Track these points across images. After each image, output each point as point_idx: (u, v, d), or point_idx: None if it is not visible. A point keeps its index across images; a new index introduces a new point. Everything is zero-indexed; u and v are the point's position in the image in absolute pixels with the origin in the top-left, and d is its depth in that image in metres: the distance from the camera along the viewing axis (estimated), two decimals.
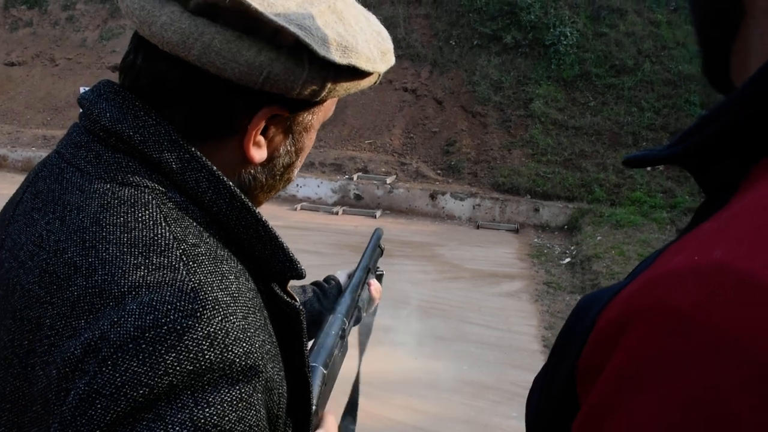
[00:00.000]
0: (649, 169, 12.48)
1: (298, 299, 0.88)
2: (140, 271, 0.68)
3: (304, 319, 0.88)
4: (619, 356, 0.51)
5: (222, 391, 0.66)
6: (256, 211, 0.80)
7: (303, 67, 0.77)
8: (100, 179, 0.76)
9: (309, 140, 0.92)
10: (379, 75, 0.88)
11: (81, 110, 0.83)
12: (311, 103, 0.84)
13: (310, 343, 1.23)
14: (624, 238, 9.91)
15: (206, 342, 0.66)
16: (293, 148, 0.89)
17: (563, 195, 12.37)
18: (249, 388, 0.69)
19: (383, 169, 13.56)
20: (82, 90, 13.25)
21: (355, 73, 0.83)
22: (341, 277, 1.66)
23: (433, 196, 12.71)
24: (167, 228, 0.72)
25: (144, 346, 0.64)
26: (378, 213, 12.48)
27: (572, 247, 10.48)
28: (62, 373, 0.66)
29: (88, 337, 0.65)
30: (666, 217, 10.95)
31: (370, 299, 1.61)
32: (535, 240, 11.25)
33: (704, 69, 0.73)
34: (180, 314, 0.66)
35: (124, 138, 0.77)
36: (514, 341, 6.51)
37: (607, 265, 8.70)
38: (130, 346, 0.64)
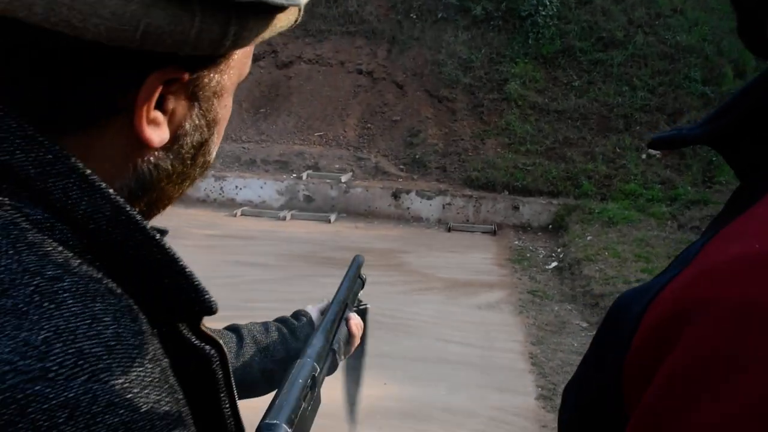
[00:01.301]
0: (644, 156, 12.65)
1: (216, 339, 0.81)
2: None
3: (218, 367, 0.80)
4: (679, 353, 0.53)
5: None
6: (148, 227, 0.71)
7: (192, 10, 0.67)
8: None
9: (224, 108, 0.83)
10: (300, 9, 0.78)
11: None
12: (215, 58, 0.76)
13: (269, 396, 1.17)
14: (618, 238, 10.01)
15: (63, 413, 0.57)
16: (203, 121, 0.80)
17: (546, 190, 12.48)
18: None
19: (337, 166, 13.54)
20: None
21: (264, 8, 0.72)
22: (313, 312, 1.59)
23: (396, 196, 12.75)
24: (15, 257, 0.63)
25: None
26: (332, 217, 12.44)
27: (559, 250, 10.56)
28: None
29: None
30: (666, 212, 11.10)
31: (348, 339, 1.54)
32: (516, 242, 11.32)
33: (739, 30, 0.73)
34: (23, 377, 0.57)
35: None
36: (498, 360, 6.52)
37: (600, 269, 8.78)
38: None
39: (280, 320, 1.55)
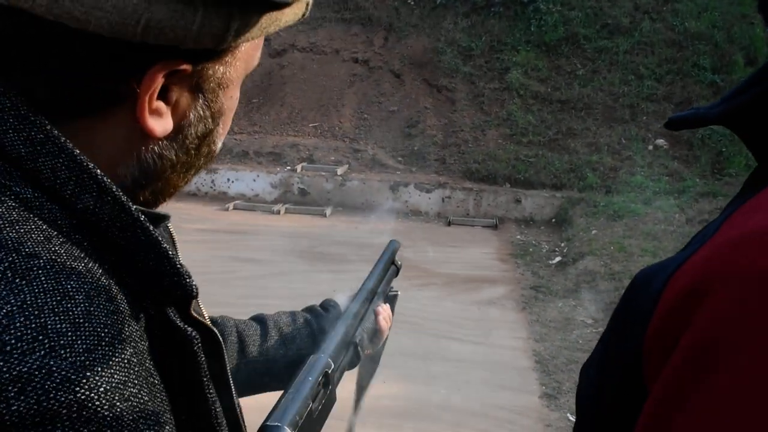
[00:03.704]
0: (651, 147, 12.65)
1: (208, 325, 0.83)
2: None
3: (199, 350, 0.80)
4: (699, 324, 0.55)
5: None
6: (133, 209, 0.74)
7: (194, 5, 0.70)
8: None
9: (229, 100, 0.86)
10: (308, 4, 0.82)
11: None
12: (219, 51, 0.78)
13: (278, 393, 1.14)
14: (624, 231, 10.00)
15: (14, 387, 0.59)
16: (207, 112, 0.83)
17: (549, 182, 12.47)
18: None
19: (332, 158, 13.52)
20: None
21: (267, 4, 0.75)
22: (342, 301, 1.56)
23: (393, 189, 12.73)
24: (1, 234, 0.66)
25: None
26: (328, 211, 12.43)
27: (562, 244, 10.55)
28: None
29: None
30: (673, 204, 11.09)
31: (376, 332, 1.51)
32: (518, 237, 11.32)
33: (760, 5, 0.75)
34: None
35: None
36: (500, 358, 6.52)
37: (605, 264, 8.78)
38: None
39: (309, 309, 1.54)
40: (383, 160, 13.38)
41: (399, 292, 1.69)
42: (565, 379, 6.05)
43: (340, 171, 13.02)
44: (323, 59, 14.97)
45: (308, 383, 1.14)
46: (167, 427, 0.72)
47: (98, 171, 0.72)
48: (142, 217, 0.74)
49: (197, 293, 0.79)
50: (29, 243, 0.66)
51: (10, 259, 0.64)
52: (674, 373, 0.56)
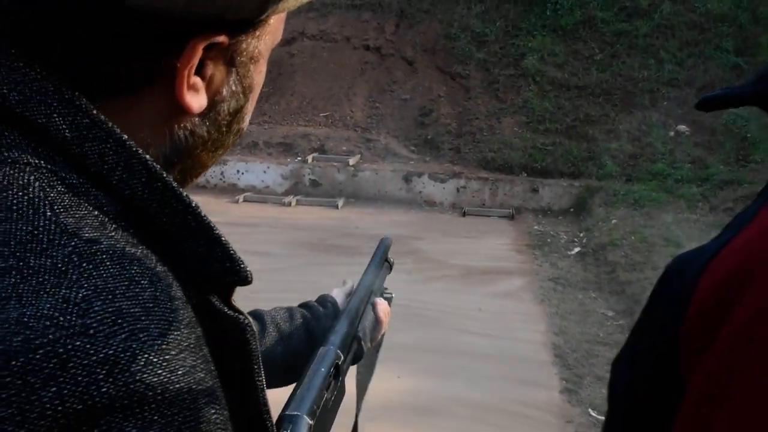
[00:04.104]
0: (672, 134, 12.59)
1: (245, 313, 0.83)
2: (10, 278, 0.62)
3: (253, 338, 0.82)
4: (743, 315, 0.55)
5: None
6: (184, 194, 0.75)
7: None
8: None
9: (258, 75, 0.87)
10: None
11: None
12: (254, 22, 0.79)
13: (291, 387, 1.17)
14: (645, 221, 9.98)
15: (102, 369, 0.60)
16: (239, 87, 0.84)
17: (567, 171, 12.46)
18: None
19: (344, 148, 13.53)
20: None
21: None
22: (339, 297, 1.59)
23: (407, 179, 12.73)
24: (53, 219, 0.66)
25: (9, 380, 0.57)
26: (340, 202, 12.44)
27: (581, 234, 10.54)
28: None
29: None
30: (696, 193, 11.05)
31: (376, 325, 1.54)
32: (536, 227, 11.31)
33: None
34: (64, 332, 0.60)
35: None
36: (519, 351, 6.51)
37: (625, 254, 8.76)
38: None
39: (305, 306, 1.55)
40: (396, 149, 13.39)
41: (393, 295, 1.72)
42: (585, 373, 6.02)
43: (352, 161, 13.02)
44: (334, 47, 14.97)
45: (321, 374, 1.17)
46: (226, 413, 0.74)
47: (147, 156, 0.73)
48: (194, 203, 0.75)
49: (252, 279, 0.79)
50: (87, 228, 0.67)
51: (73, 243, 0.65)
52: (717, 365, 0.55)
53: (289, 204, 12.38)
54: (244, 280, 0.78)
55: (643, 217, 10.19)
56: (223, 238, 0.77)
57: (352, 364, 1.41)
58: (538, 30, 14.38)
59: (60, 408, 0.58)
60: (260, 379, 0.85)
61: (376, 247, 1.74)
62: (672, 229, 9.51)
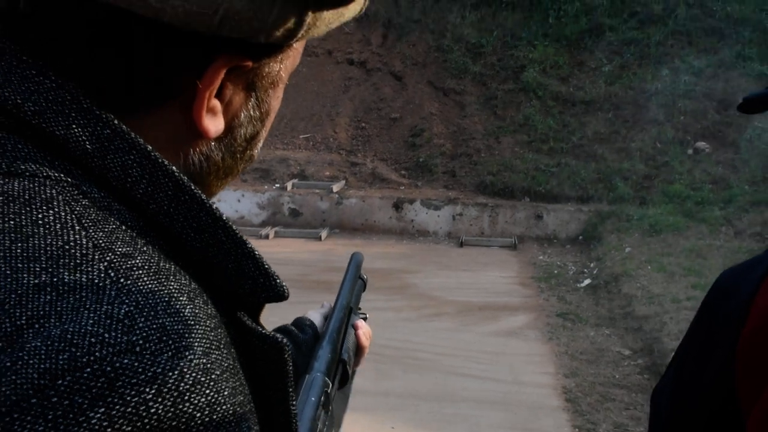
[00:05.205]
0: (690, 152, 12.63)
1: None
2: (45, 295, 0.63)
3: (290, 359, 0.85)
4: None
5: None
6: (214, 208, 0.77)
7: None
8: None
9: (276, 101, 0.90)
10: None
11: None
12: (280, 47, 0.82)
13: None
14: (663, 248, 10.00)
15: (151, 389, 0.61)
16: (258, 113, 0.87)
17: (574, 195, 12.49)
18: None
19: (327, 173, 13.57)
20: None
21: None
22: (316, 319, 1.61)
23: (397, 206, 12.75)
24: (83, 233, 0.68)
25: (56, 399, 0.58)
26: (323, 233, 12.45)
27: (592, 264, 10.55)
28: None
29: None
30: (719, 216, 11.07)
31: (358, 348, 1.57)
32: (541, 257, 11.34)
33: None
34: (111, 349, 0.61)
35: (8, 108, 0.71)
36: (525, 396, 6.47)
37: (642, 286, 8.76)
38: (33, 401, 0.58)
39: (282, 330, 1.55)
40: (384, 174, 13.42)
41: (367, 315, 1.74)
42: (600, 420, 5.99)
43: (336, 188, 13.03)
44: (314, 62, 15.04)
45: (311, 404, 1.19)
46: None
47: (173, 168, 0.75)
48: (225, 217, 0.78)
49: (288, 295, 0.82)
50: (119, 242, 0.69)
51: (108, 258, 0.67)
52: None
53: (267, 236, 12.42)
54: (280, 296, 0.81)
55: (660, 244, 10.21)
56: (256, 253, 0.79)
57: (339, 388, 1.43)
58: (540, 39, 14.48)
59: (109, 429, 0.59)
60: (294, 404, 0.88)
61: (348, 263, 1.78)
62: (693, 257, 9.51)
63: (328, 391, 1.27)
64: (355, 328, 1.59)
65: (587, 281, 9.93)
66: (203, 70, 0.77)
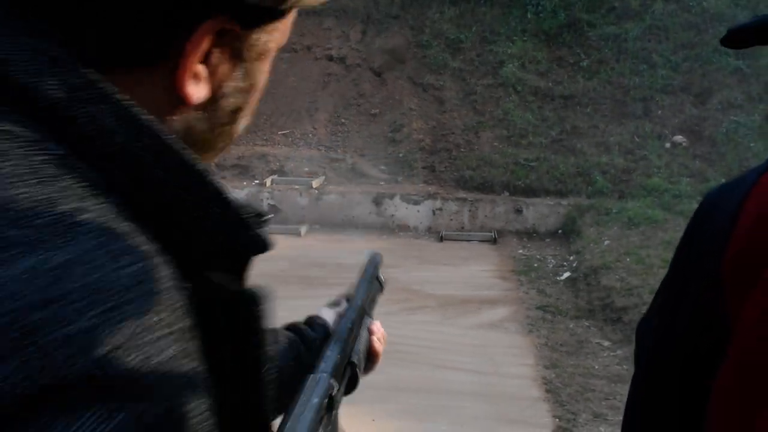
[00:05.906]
0: (668, 145, 12.67)
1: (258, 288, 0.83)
2: None
3: (263, 311, 0.82)
4: None
5: (87, 424, 0.59)
6: (192, 161, 0.75)
7: None
8: None
9: (262, 74, 0.87)
10: None
11: None
12: (271, 15, 0.80)
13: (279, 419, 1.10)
14: (641, 241, 10.03)
15: (71, 345, 0.59)
16: (244, 84, 0.84)
17: (553, 189, 12.51)
18: (130, 421, 0.61)
19: (306, 169, 13.53)
20: None
21: None
22: (329, 317, 1.57)
23: (377, 202, 12.75)
24: (37, 187, 0.66)
25: None
26: (303, 229, 12.43)
27: (571, 258, 10.58)
28: None
29: None
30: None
31: (370, 353, 1.53)
32: (520, 251, 11.36)
33: None
34: (26, 305, 0.59)
35: None
36: (506, 388, 6.49)
37: (621, 278, 8.78)
38: None
39: (292, 329, 1.53)
40: (364, 169, 13.40)
41: (378, 322, 1.66)
42: (580, 410, 6.02)
43: (315, 184, 13.03)
44: (293, 57, 14.98)
45: (313, 406, 1.11)
46: (208, 413, 0.73)
47: (149, 117, 0.72)
48: (204, 167, 0.75)
49: (271, 246, 0.80)
50: (68, 199, 0.67)
51: (49, 214, 0.65)
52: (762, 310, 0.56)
53: None
54: (262, 246, 0.79)
55: (638, 236, 10.23)
56: (232, 202, 0.76)
57: (346, 393, 1.36)
58: (518, 35, 14.48)
59: (16, 384, 0.57)
60: (266, 371, 0.86)
61: (366, 262, 1.72)
62: (671, 249, 9.51)
63: (333, 393, 1.17)
64: (370, 332, 1.54)
65: (567, 274, 9.96)
66: (191, 30, 0.74)
